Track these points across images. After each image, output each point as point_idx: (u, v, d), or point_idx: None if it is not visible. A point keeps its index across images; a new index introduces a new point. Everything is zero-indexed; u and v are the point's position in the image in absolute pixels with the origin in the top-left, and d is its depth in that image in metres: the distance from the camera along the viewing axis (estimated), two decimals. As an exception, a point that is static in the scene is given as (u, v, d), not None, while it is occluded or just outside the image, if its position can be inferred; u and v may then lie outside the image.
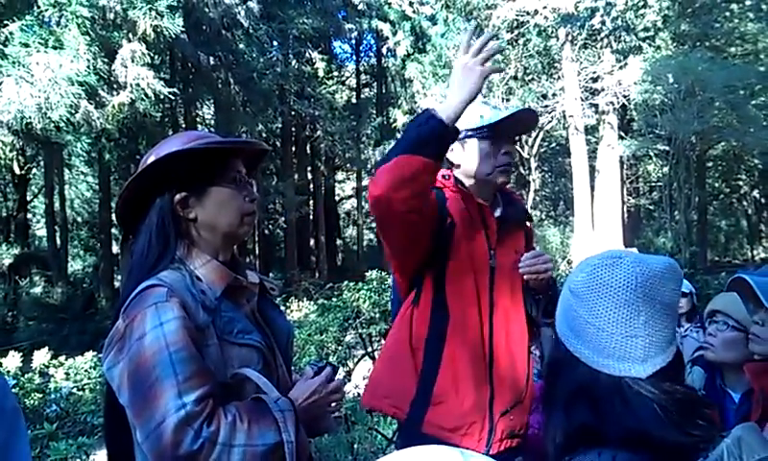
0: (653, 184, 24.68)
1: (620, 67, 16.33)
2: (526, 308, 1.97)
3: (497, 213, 1.99)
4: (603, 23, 15.67)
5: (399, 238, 1.81)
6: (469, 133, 1.93)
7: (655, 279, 1.02)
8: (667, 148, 15.96)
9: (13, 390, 4.38)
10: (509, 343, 1.92)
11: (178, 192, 1.34)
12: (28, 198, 21.49)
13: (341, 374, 5.64)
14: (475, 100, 1.67)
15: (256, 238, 22.05)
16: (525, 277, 1.89)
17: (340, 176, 27.87)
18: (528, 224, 2.15)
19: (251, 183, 1.44)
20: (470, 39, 1.63)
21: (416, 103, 18.13)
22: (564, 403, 1.06)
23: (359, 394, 5.90)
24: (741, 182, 26.81)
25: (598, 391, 1.01)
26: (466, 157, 1.95)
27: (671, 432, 0.96)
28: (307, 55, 18.54)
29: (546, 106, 17.57)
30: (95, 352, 5.98)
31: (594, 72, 16.77)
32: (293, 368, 1.54)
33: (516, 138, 2.06)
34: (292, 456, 1.20)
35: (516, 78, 17.86)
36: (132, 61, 11.74)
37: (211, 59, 15.43)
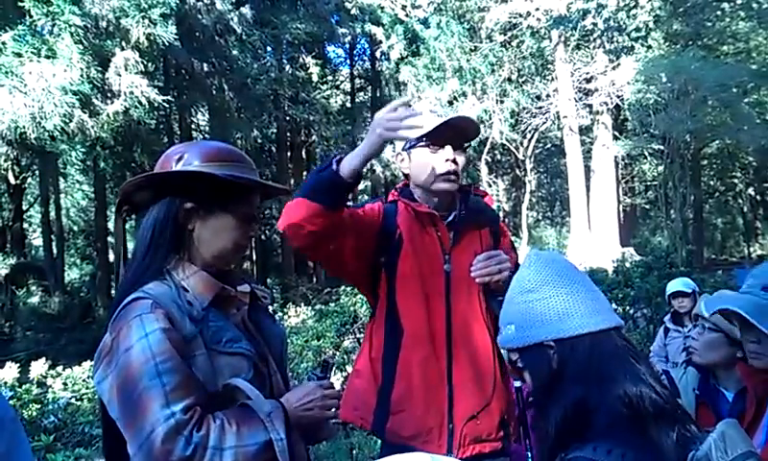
0: (648, 184, 24.76)
1: (613, 68, 16.40)
2: (492, 310, 1.93)
3: (450, 218, 1.99)
4: (595, 24, 15.74)
5: (322, 261, 1.98)
6: (413, 142, 1.97)
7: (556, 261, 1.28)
8: (662, 147, 16.00)
9: (11, 401, 4.35)
10: (469, 346, 1.93)
11: (189, 201, 1.36)
12: (24, 208, 21.42)
13: (338, 378, 5.64)
14: (421, 112, 1.75)
15: (253, 244, 22.03)
16: (477, 280, 1.86)
17: (336, 180, 27.81)
18: (500, 223, 2.14)
19: (257, 220, 1.47)
20: (398, 106, 1.67)
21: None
22: (572, 383, 1.13)
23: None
24: (736, 180, 26.88)
25: (601, 356, 1.13)
26: (412, 167, 2.00)
27: (650, 391, 1.09)
28: (301, 60, 18.54)
29: (540, 107, 17.63)
30: (93, 362, 5.97)
31: (588, 73, 16.84)
32: (291, 374, 1.55)
33: (467, 146, 2.07)
34: (284, 453, 1.21)
35: (509, 80, 17.91)
36: (126, 70, 11.72)
37: (205, 65, 15.43)
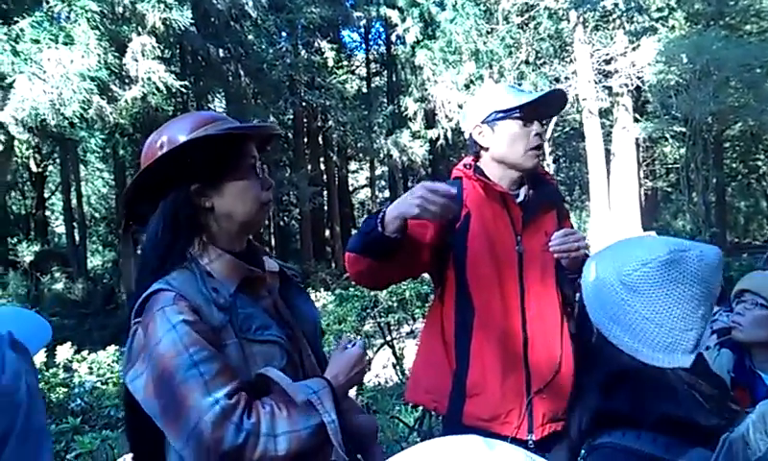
0: (670, 166, 24.40)
1: (633, 48, 16.11)
2: (562, 289, 1.93)
3: (521, 197, 1.96)
4: (615, 4, 15.46)
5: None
6: (500, 114, 1.91)
7: (714, 272, 1.04)
8: (683, 129, 15.75)
9: (39, 384, 4.41)
10: (544, 327, 1.91)
11: (195, 181, 1.27)
12: (46, 195, 21.72)
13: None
14: (500, 84, 1.73)
15: (272, 230, 22.13)
16: (555, 255, 1.84)
17: (353, 166, 27.83)
18: (563, 203, 2.12)
19: (264, 170, 1.38)
20: (448, 190, 1.65)
21: (426, 90, 17.99)
22: (603, 387, 1.05)
23: (379, 383, 5.90)
24: (760, 162, 26.38)
25: (643, 378, 1.03)
26: (496, 140, 1.93)
27: (712, 418, 0.99)
28: (316, 44, 18.47)
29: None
30: (117, 347, 6.04)
31: (607, 54, 16.56)
32: None
33: (544, 122, 2.04)
34: (336, 433, 1.17)
35: (527, 62, 17.66)
36: (143, 55, 11.77)
37: (221, 51, 15.43)
